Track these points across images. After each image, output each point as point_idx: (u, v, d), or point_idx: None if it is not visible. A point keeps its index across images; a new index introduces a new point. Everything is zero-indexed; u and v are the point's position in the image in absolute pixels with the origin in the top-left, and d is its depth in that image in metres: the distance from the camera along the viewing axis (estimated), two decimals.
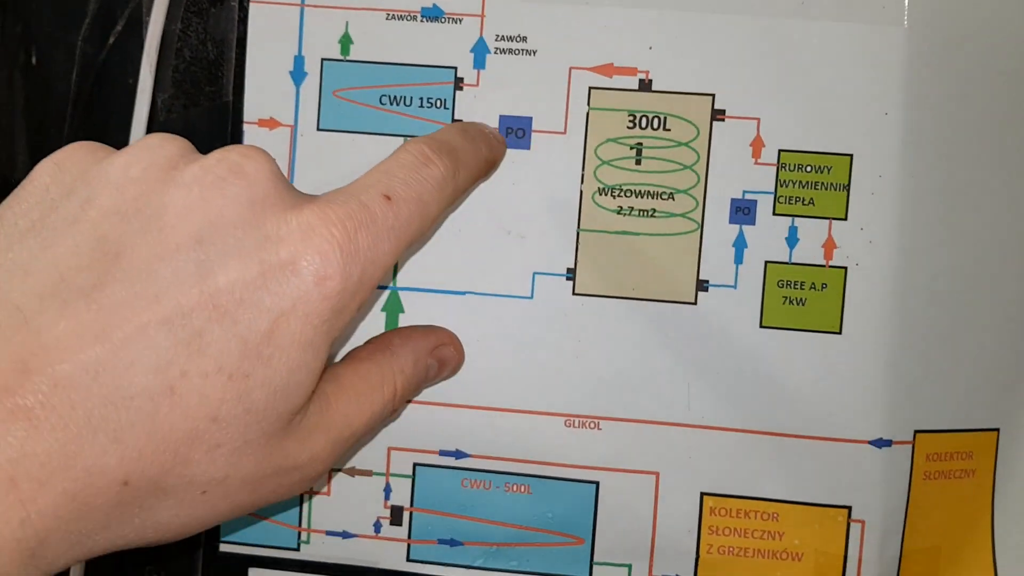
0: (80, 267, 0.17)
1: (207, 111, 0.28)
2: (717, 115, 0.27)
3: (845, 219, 0.26)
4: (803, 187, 0.27)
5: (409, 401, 0.27)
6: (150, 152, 0.19)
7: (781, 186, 0.27)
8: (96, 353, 0.17)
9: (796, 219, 0.27)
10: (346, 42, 0.27)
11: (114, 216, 0.18)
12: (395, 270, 0.27)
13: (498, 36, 0.27)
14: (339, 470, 0.28)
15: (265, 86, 0.28)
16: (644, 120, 0.27)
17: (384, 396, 0.22)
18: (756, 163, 0.27)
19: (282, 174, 0.20)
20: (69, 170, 0.19)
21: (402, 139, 0.27)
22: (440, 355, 0.25)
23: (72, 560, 0.17)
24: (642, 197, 0.27)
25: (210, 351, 0.17)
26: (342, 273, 0.18)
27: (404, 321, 0.27)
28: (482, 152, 0.25)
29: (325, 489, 0.28)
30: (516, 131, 0.27)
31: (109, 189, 0.18)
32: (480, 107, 0.27)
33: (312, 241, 0.18)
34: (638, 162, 0.27)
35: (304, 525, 0.28)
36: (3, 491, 0.16)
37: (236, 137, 0.28)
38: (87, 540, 0.17)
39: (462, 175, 0.23)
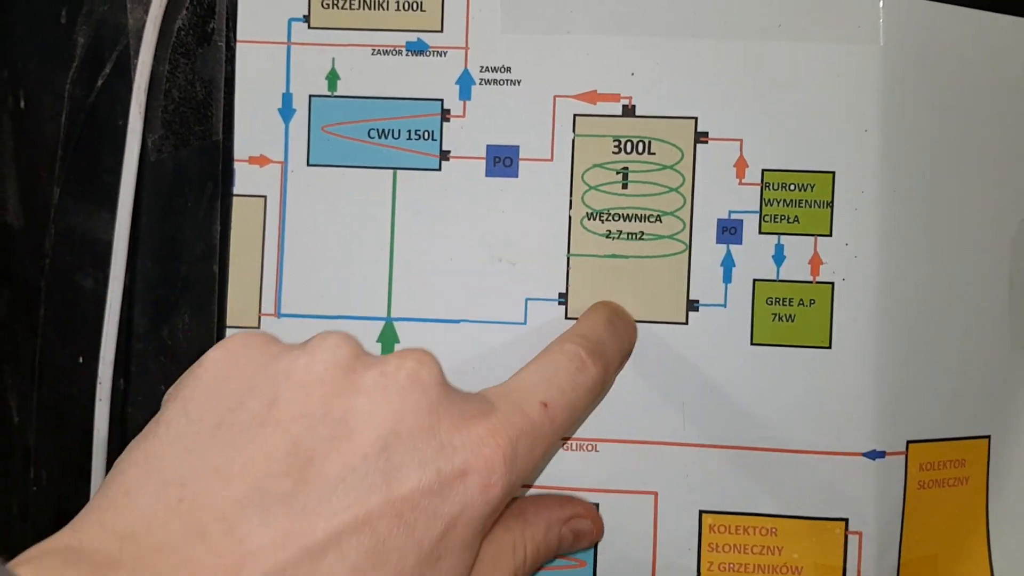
0: (276, 473, 0.18)
1: (197, 150, 0.28)
2: (700, 137, 0.27)
3: (830, 235, 0.27)
4: (787, 205, 0.27)
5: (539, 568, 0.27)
6: (330, 353, 0.20)
7: (766, 205, 0.27)
8: (295, 560, 0.17)
9: (782, 237, 0.27)
10: (333, 78, 0.28)
11: (303, 420, 0.19)
12: (389, 301, 0.28)
13: (483, 67, 0.27)
14: None
15: (254, 124, 0.28)
16: (629, 145, 0.27)
17: (515, 562, 0.23)
18: (740, 183, 0.27)
19: (445, 378, 0.20)
20: (244, 364, 0.20)
21: (391, 171, 0.28)
22: (575, 527, 0.26)
23: None
24: (630, 220, 0.27)
25: (392, 558, 0.18)
26: (504, 480, 0.19)
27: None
28: (625, 347, 0.26)
29: None
30: (503, 160, 0.27)
31: (294, 390, 0.19)
32: (467, 138, 0.27)
33: (482, 451, 0.19)
34: (624, 186, 0.27)
35: None
36: None
37: (227, 175, 0.28)
38: None
39: (610, 376, 0.24)
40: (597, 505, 0.27)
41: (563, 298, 0.27)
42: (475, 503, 0.19)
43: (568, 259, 0.27)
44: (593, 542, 0.27)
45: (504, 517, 0.23)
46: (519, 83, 0.27)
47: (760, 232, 0.27)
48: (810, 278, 0.27)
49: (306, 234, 0.28)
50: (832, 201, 0.27)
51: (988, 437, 0.28)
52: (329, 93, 0.28)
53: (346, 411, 0.19)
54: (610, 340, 0.25)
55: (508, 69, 0.27)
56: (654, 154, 0.27)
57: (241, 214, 0.28)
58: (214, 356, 0.20)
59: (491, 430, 0.20)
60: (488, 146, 0.27)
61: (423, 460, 0.19)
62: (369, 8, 0.28)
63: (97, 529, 0.17)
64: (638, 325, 0.27)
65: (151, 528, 0.17)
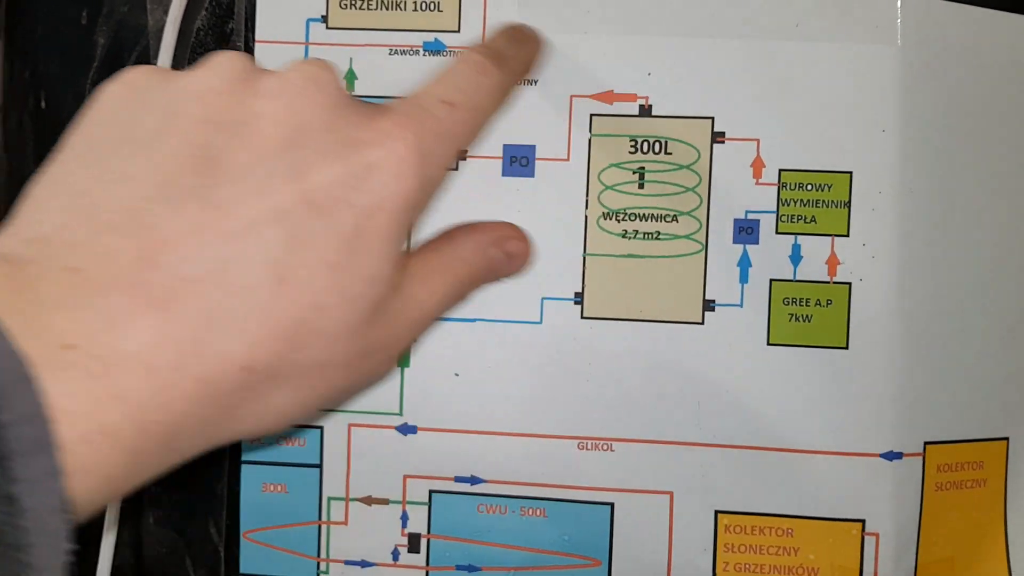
0: (183, 171, 0.18)
1: None
2: (717, 137, 0.27)
3: (847, 235, 0.27)
4: (804, 205, 0.27)
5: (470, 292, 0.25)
6: (224, 67, 0.20)
7: (783, 205, 0.27)
8: (215, 247, 0.17)
9: (799, 237, 0.27)
10: (351, 78, 0.28)
11: (205, 124, 0.19)
12: None
13: None
14: (356, 499, 0.28)
15: None
16: (646, 144, 0.27)
17: (447, 280, 0.23)
18: (757, 183, 0.27)
19: (343, 86, 0.21)
20: (140, 88, 0.20)
21: None
22: (507, 248, 0.25)
23: (201, 448, 0.18)
24: (646, 220, 0.27)
25: (312, 245, 0.18)
26: (416, 172, 0.20)
27: (414, 350, 0.28)
28: (529, 55, 0.26)
29: (343, 518, 0.28)
30: (520, 159, 0.27)
31: (192, 100, 0.19)
32: (484, 137, 0.27)
33: (389, 144, 0.20)
34: (641, 186, 0.27)
35: (323, 555, 0.28)
36: (143, 378, 0.16)
37: None
38: (216, 426, 0.18)
39: (513, 80, 0.24)
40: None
41: (579, 297, 0.27)
42: (390, 194, 0.19)
43: (584, 259, 0.27)
44: (525, 263, 0.26)
45: (433, 241, 0.24)
46: (536, 83, 0.27)
47: (777, 232, 0.27)
48: (827, 278, 0.27)
49: None
50: (849, 201, 0.27)
51: (1007, 439, 0.28)
52: None
53: (247, 114, 0.19)
54: (509, 46, 0.25)
55: None
56: (671, 154, 0.27)
57: None
58: (109, 86, 0.20)
59: (397, 124, 0.20)
60: (504, 146, 0.27)
61: (330, 153, 0.19)
62: (387, 8, 0.28)
63: (8, 239, 0.18)
64: (654, 325, 0.27)
65: (61, 231, 0.17)
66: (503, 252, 0.25)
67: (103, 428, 0.16)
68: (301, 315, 0.18)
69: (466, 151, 0.28)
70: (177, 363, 0.17)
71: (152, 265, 0.17)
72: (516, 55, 0.25)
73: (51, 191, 0.18)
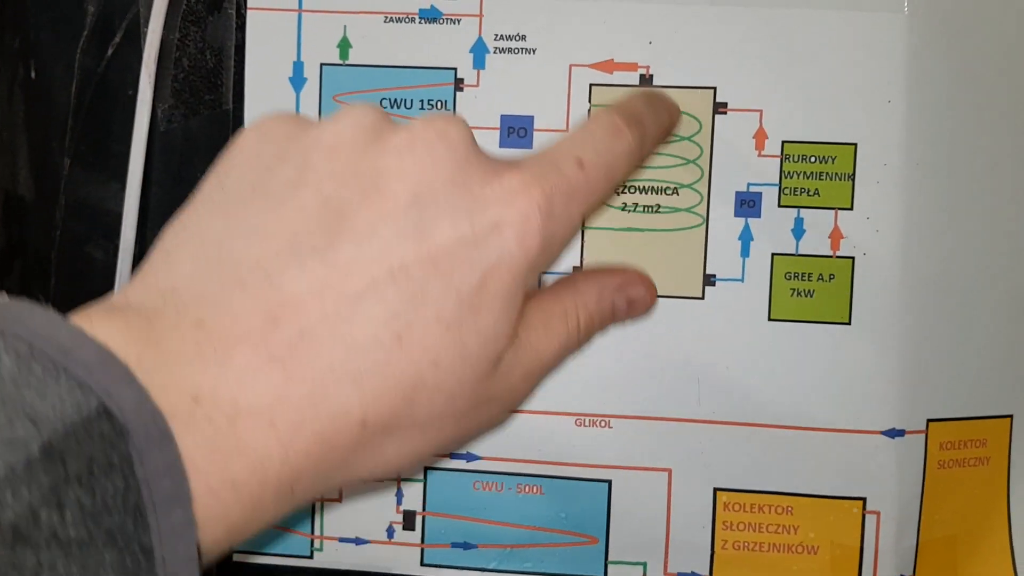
0: (310, 228, 0.19)
1: (207, 120, 0.28)
2: (719, 108, 0.26)
3: (851, 209, 0.26)
4: (808, 178, 0.26)
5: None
6: (357, 119, 0.20)
7: (786, 177, 0.26)
8: (335, 306, 0.18)
9: (802, 210, 0.27)
10: (345, 46, 0.27)
11: (333, 179, 0.19)
12: None
13: (497, 35, 0.27)
14: None
15: (265, 93, 0.27)
16: None
17: (568, 328, 0.23)
18: (760, 155, 0.26)
19: (475, 140, 0.21)
20: (274, 137, 0.20)
21: None
22: (628, 294, 0.25)
23: (317, 494, 0.19)
24: (646, 193, 0.27)
25: (430, 303, 0.19)
26: (542, 233, 0.20)
27: None
28: (664, 122, 0.25)
29: (337, 496, 0.28)
30: (518, 130, 0.27)
31: (324, 154, 0.19)
32: (481, 107, 0.27)
33: (516, 203, 0.19)
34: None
35: (317, 532, 0.28)
36: (265, 433, 0.17)
37: None
38: (331, 477, 0.19)
39: (648, 146, 0.24)
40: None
41: (578, 271, 0.27)
42: (513, 254, 0.19)
43: (583, 232, 0.27)
44: (648, 309, 0.25)
45: (554, 287, 0.24)
46: (534, 52, 0.27)
47: (779, 205, 0.27)
48: (830, 252, 0.26)
49: None
50: (854, 174, 0.26)
51: (1011, 416, 0.27)
52: (341, 62, 0.27)
53: (376, 169, 0.19)
54: (647, 111, 0.24)
55: (523, 37, 0.27)
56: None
57: None
58: (246, 135, 0.21)
59: (524, 183, 0.20)
60: (502, 116, 0.27)
61: (455, 211, 0.19)
62: None
63: (140, 288, 0.19)
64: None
65: (192, 283, 0.18)
66: (625, 298, 0.25)
67: (228, 482, 0.17)
68: (418, 372, 0.19)
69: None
70: (297, 419, 0.17)
71: (275, 323, 0.17)
72: (654, 121, 0.24)
73: (183, 239, 0.19)
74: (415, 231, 0.19)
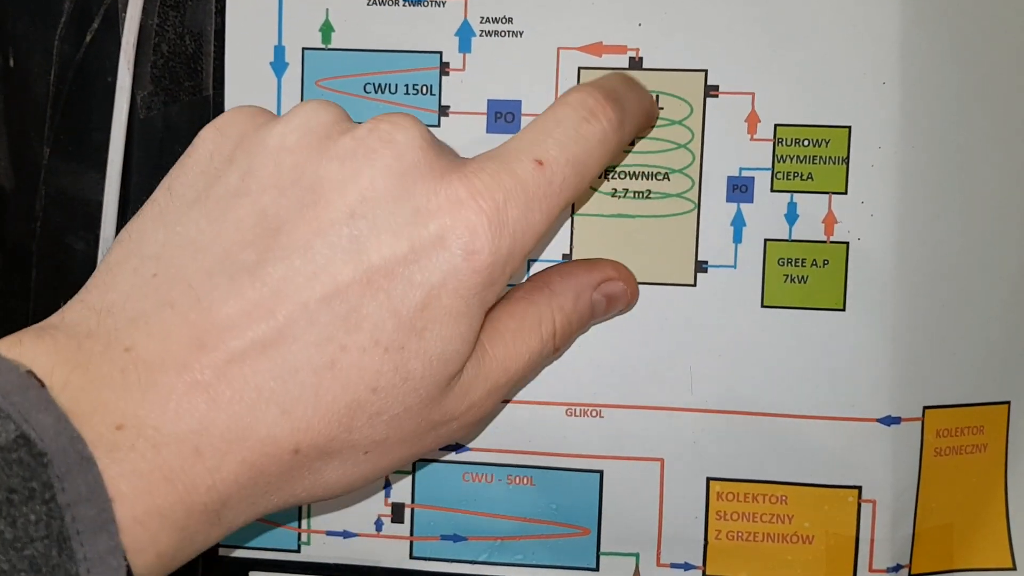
0: (244, 243, 0.18)
1: (188, 106, 0.28)
2: (710, 91, 0.26)
3: (845, 193, 0.26)
4: (801, 162, 0.26)
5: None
6: (306, 120, 0.19)
7: (778, 162, 0.26)
8: (264, 330, 0.17)
9: (795, 195, 0.26)
10: (327, 30, 0.27)
11: (273, 190, 0.18)
12: None
13: (483, 18, 0.26)
14: None
15: (246, 78, 0.27)
16: None
17: (542, 336, 0.22)
18: (752, 139, 0.26)
19: (433, 138, 0.19)
20: (230, 136, 0.20)
21: None
22: (607, 291, 0.24)
23: (250, 518, 0.19)
24: (636, 179, 0.26)
25: (366, 325, 0.18)
26: (491, 246, 0.18)
27: None
28: (646, 104, 0.24)
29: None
30: (505, 115, 0.26)
31: (267, 160, 0.19)
32: (467, 92, 0.26)
33: (461, 214, 0.18)
34: (631, 143, 0.26)
35: (304, 526, 0.28)
36: (190, 461, 0.17)
37: None
38: (263, 500, 0.18)
39: (628, 127, 0.21)
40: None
41: (567, 259, 0.26)
42: (460, 271, 0.18)
43: (572, 219, 0.26)
44: (628, 305, 0.25)
45: (528, 290, 0.23)
46: (521, 35, 0.26)
47: (772, 190, 0.26)
48: (824, 238, 0.26)
49: None
50: (848, 157, 0.26)
51: (1008, 403, 0.27)
52: (323, 46, 0.27)
53: (316, 178, 0.18)
54: (627, 91, 0.22)
55: (510, 20, 0.26)
56: (662, 108, 0.26)
57: None
58: (204, 133, 0.20)
59: (472, 192, 0.18)
60: (489, 101, 0.26)
61: (395, 226, 0.18)
62: None
63: (79, 307, 0.18)
64: (644, 287, 0.26)
65: (127, 301, 0.18)
66: (604, 295, 0.24)
67: (155, 509, 0.16)
68: (355, 398, 0.18)
69: (448, 107, 0.26)
70: (223, 446, 0.17)
71: (202, 347, 0.17)
72: (634, 99, 0.22)
73: (126, 251, 0.19)
74: (351, 249, 0.18)
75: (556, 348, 0.23)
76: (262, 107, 0.21)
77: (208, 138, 0.20)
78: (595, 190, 0.26)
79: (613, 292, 0.24)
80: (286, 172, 0.19)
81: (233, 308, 0.17)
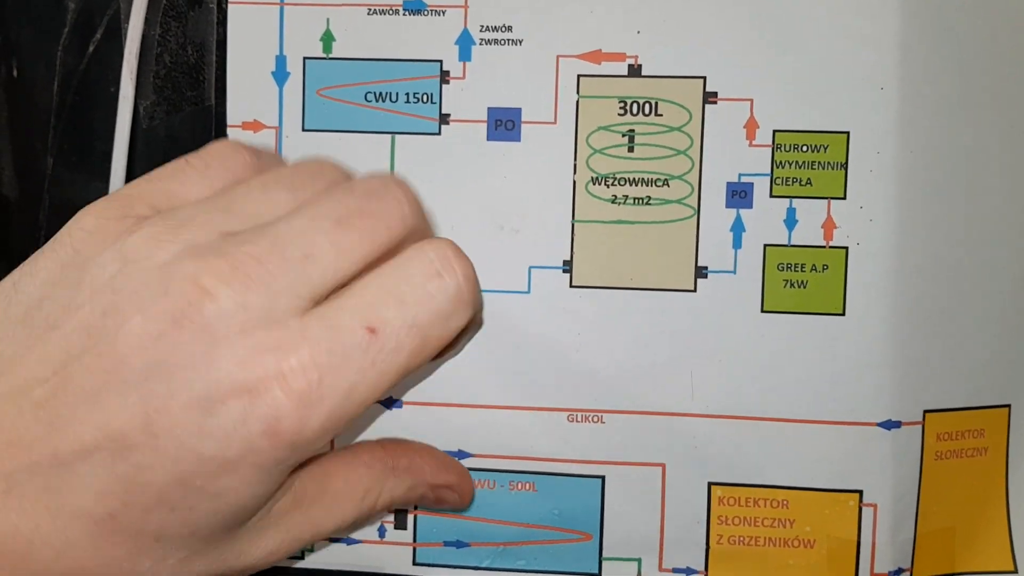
0: (40, 378, 0.17)
1: (190, 116, 0.28)
2: (709, 98, 0.26)
3: (844, 198, 0.26)
4: (800, 167, 0.26)
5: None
6: (140, 255, 0.18)
7: (777, 167, 0.26)
8: (46, 470, 0.17)
9: (794, 200, 0.26)
10: (328, 39, 0.27)
11: (82, 332, 0.17)
12: None
13: (483, 27, 0.26)
14: None
15: (248, 88, 0.27)
16: (635, 106, 0.26)
17: (361, 508, 0.22)
18: (751, 145, 0.26)
19: (264, 301, 0.18)
20: (84, 248, 0.18)
21: (389, 136, 0.27)
22: (442, 495, 0.24)
23: None
24: (636, 185, 0.26)
25: (151, 488, 0.17)
26: (298, 426, 0.17)
27: None
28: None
29: None
30: (505, 123, 0.27)
31: (89, 296, 0.18)
32: (467, 100, 0.27)
33: (268, 392, 0.17)
34: (631, 149, 0.26)
35: None
36: None
37: None
38: None
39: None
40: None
41: (567, 266, 0.27)
42: (259, 449, 0.17)
43: (572, 225, 0.27)
44: (456, 510, 0.25)
45: (372, 453, 0.22)
46: (521, 43, 0.26)
47: (771, 195, 0.26)
48: (823, 243, 0.26)
49: None
50: (846, 162, 0.26)
51: (1008, 406, 0.27)
52: (324, 55, 0.27)
53: (124, 330, 0.17)
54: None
55: (509, 28, 0.26)
56: (661, 115, 0.26)
57: None
58: (71, 230, 0.19)
59: (284, 366, 0.17)
60: (489, 109, 0.27)
61: (192, 395, 0.16)
62: None
63: None
64: (644, 293, 0.26)
65: None
66: (436, 497, 0.24)
67: None
68: (137, 546, 0.17)
69: (448, 115, 0.27)
70: None
71: None
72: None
73: None
74: (141, 409, 0.17)
75: (377, 517, 0.23)
76: (140, 196, 0.20)
77: (69, 240, 0.19)
78: (592, 196, 0.26)
79: (446, 498, 0.24)
80: (98, 316, 0.17)
81: (15, 436, 0.17)
